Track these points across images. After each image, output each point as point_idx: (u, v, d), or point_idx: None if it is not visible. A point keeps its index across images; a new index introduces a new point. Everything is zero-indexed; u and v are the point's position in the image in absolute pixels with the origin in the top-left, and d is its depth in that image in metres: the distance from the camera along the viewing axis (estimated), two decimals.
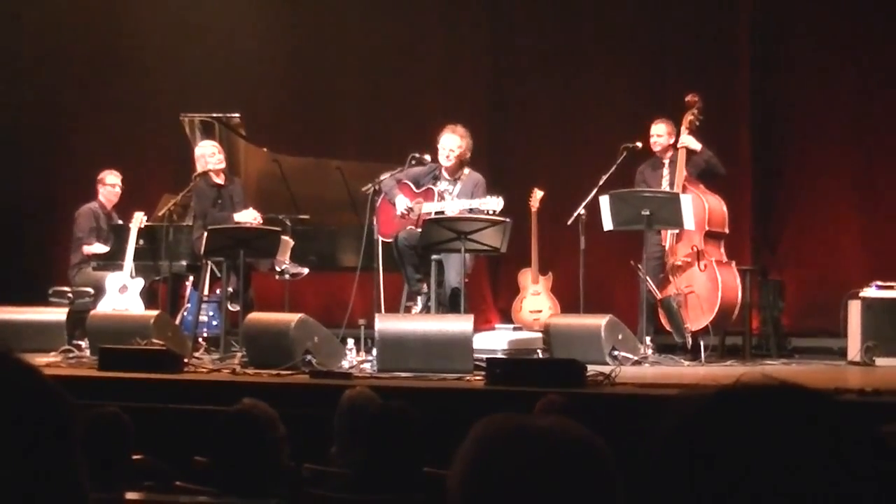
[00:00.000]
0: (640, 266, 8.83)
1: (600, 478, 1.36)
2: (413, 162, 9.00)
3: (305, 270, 9.61)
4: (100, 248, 10.29)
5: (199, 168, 9.65)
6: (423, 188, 9.02)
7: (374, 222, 9.00)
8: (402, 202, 8.94)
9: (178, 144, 10.96)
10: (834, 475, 1.13)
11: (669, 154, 9.31)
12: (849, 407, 1.20)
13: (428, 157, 9.00)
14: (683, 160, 9.17)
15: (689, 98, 9.25)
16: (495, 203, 8.54)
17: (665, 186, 9.13)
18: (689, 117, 9.21)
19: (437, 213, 8.78)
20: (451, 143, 8.92)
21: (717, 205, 9.09)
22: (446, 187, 8.99)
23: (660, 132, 9.31)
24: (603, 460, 1.37)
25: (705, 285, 8.95)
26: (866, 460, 1.15)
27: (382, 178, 9.01)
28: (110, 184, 10.55)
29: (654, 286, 8.90)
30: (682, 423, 1.19)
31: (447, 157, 8.92)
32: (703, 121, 9.25)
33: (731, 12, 11.09)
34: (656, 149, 9.33)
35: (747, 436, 1.15)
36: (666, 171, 9.26)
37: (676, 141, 9.26)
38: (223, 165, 9.72)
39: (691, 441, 1.17)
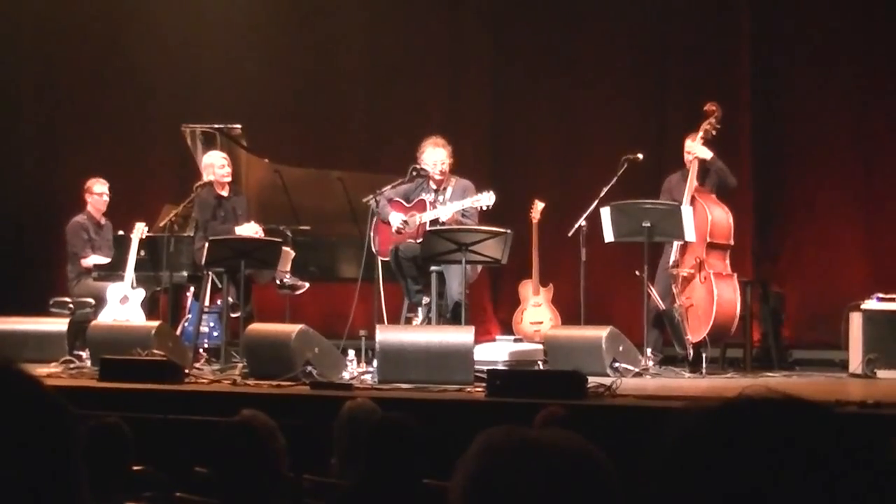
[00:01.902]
0: (644, 275, 8.81)
1: (601, 490, 1.36)
2: (414, 173, 9.03)
3: (306, 285, 9.61)
4: (97, 258, 10.27)
5: (205, 177, 9.65)
6: (415, 201, 9.07)
7: (374, 242, 9.03)
8: (396, 218, 8.99)
9: (180, 155, 10.97)
10: (837, 487, 1.13)
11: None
12: (850, 419, 1.20)
13: (428, 169, 9.03)
14: (696, 171, 9.16)
15: (707, 107, 9.21)
16: (487, 198, 8.59)
17: (687, 198, 9.10)
18: (706, 126, 9.19)
19: (432, 220, 8.82)
20: (439, 156, 8.99)
21: (721, 216, 9.07)
22: (437, 197, 9.03)
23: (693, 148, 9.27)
24: (604, 473, 1.37)
25: (703, 298, 8.96)
26: (869, 473, 1.15)
27: (382, 191, 9.03)
28: (98, 192, 10.52)
29: (658, 297, 8.89)
30: (686, 436, 1.19)
31: (442, 171, 8.98)
32: (719, 130, 9.22)
33: (732, 26, 11.11)
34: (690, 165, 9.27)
35: (751, 449, 1.15)
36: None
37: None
38: (229, 178, 9.73)
39: (695, 453, 1.17)
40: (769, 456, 1.14)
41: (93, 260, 10.27)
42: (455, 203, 8.86)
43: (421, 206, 9.03)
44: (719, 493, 1.14)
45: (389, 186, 9.10)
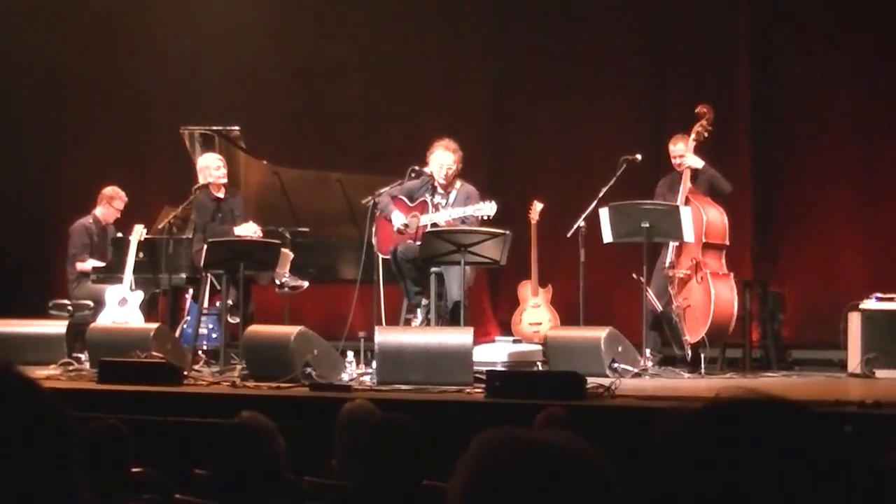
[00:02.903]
0: (641, 278, 8.82)
1: (599, 491, 1.36)
2: (413, 175, 9.03)
3: (305, 284, 9.61)
4: (93, 263, 10.29)
5: (202, 180, 9.65)
6: (418, 201, 9.06)
7: (374, 240, 9.03)
8: (398, 218, 8.97)
9: (178, 157, 10.96)
10: (812, 485, 1.14)
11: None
12: (828, 418, 1.21)
13: (428, 170, 9.03)
14: (688, 175, 9.18)
15: (699, 109, 9.23)
16: (489, 208, 8.59)
17: (682, 200, 9.11)
18: (697, 128, 9.20)
19: (432, 224, 8.81)
20: (446, 159, 8.96)
21: (716, 216, 9.08)
22: (440, 199, 9.02)
23: (680, 152, 9.27)
24: (602, 474, 1.38)
25: (700, 298, 8.96)
26: (847, 471, 1.16)
27: (381, 192, 9.03)
28: (117, 207, 10.57)
29: (654, 298, 8.90)
30: (668, 439, 1.20)
31: (444, 175, 8.96)
32: (710, 131, 9.24)
33: (730, 25, 11.11)
34: (680, 169, 9.28)
35: (730, 449, 1.16)
36: (682, 188, 9.21)
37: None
38: (225, 180, 9.72)
39: (676, 456, 1.18)
40: (748, 456, 1.15)
41: (89, 264, 10.29)
42: (457, 209, 8.84)
43: (423, 207, 9.02)
44: (700, 493, 1.15)
45: (390, 186, 9.10)
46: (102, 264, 10.24)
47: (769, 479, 1.14)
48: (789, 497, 1.14)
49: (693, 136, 9.21)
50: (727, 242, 9.17)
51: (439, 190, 9.04)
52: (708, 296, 8.91)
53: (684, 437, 1.19)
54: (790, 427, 1.18)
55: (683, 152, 9.22)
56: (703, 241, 8.99)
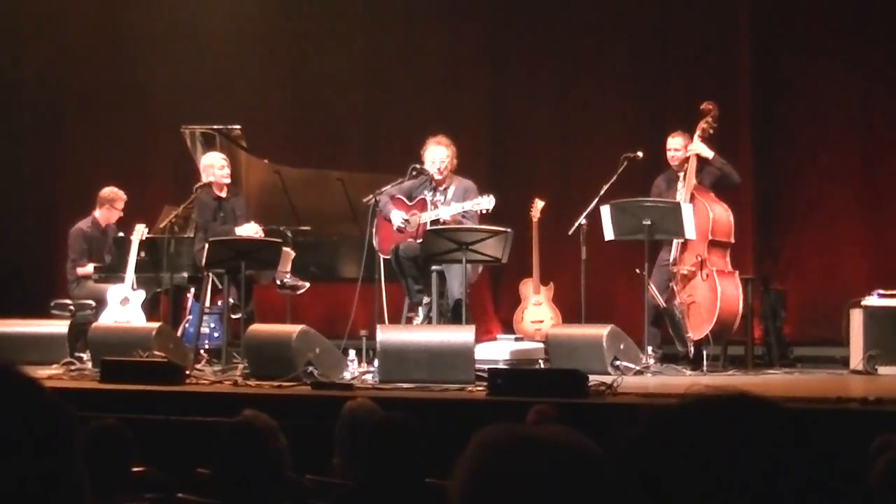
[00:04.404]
0: (644, 273, 8.81)
1: (597, 485, 1.36)
2: (414, 173, 9.03)
3: (306, 284, 9.60)
4: (92, 268, 10.29)
5: (205, 178, 9.64)
6: (416, 199, 9.06)
7: (375, 240, 9.03)
8: (397, 216, 8.98)
9: (179, 157, 10.97)
10: (777, 480, 1.15)
11: (686, 167, 9.25)
12: (796, 416, 1.22)
13: (428, 167, 9.04)
14: (694, 168, 9.15)
15: (704, 106, 9.21)
16: (487, 202, 8.60)
17: (687, 196, 9.09)
18: (702, 125, 9.18)
19: (432, 221, 8.82)
20: (440, 154, 8.97)
21: (722, 214, 9.07)
22: (438, 196, 9.03)
23: (677, 146, 9.25)
24: (599, 467, 1.38)
25: (706, 295, 8.95)
26: (810, 465, 1.17)
27: (381, 191, 9.03)
28: (119, 209, 10.56)
29: (658, 295, 8.89)
30: (639, 437, 1.21)
31: (439, 169, 8.97)
32: (715, 129, 9.23)
33: (731, 22, 11.11)
34: (674, 163, 9.27)
35: (698, 445, 1.17)
36: (681, 185, 9.19)
37: None
38: (229, 179, 9.71)
39: (648, 452, 1.19)
40: (716, 451, 1.16)
41: (90, 268, 10.30)
42: (455, 204, 8.85)
43: (422, 205, 9.03)
44: (672, 488, 1.16)
45: (390, 185, 9.10)
46: (101, 265, 10.25)
47: (737, 473, 1.15)
48: (758, 491, 1.15)
49: (698, 132, 9.19)
50: (732, 240, 9.16)
51: (436, 186, 9.05)
52: (714, 293, 8.90)
53: (654, 434, 1.20)
54: (757, 423, 1.19)
55: (681, 147, 9.22)
56: (710, 238, 8.98)
